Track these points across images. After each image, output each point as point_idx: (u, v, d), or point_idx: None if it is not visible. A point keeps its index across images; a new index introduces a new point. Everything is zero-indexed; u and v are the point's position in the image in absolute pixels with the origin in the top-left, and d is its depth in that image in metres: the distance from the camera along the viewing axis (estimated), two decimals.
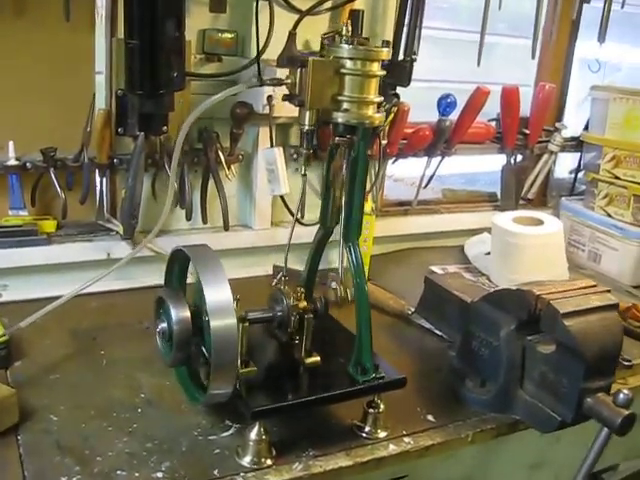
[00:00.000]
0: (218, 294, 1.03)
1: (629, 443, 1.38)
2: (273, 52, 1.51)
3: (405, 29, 1.64)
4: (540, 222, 1.74)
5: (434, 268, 1.82)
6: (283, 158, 1.55)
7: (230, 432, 1.15)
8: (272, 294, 1.21)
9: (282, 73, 1.49)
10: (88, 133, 1.44)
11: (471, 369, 1.34)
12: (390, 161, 1.84)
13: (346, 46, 1.07)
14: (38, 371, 1.26)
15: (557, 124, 2.02)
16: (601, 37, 1.93)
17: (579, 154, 2.10)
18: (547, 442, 1.35)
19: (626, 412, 1.13)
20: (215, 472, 1.05)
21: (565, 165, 2.18)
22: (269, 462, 1.07)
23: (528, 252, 1.69)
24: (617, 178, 1.89)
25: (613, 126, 1.88)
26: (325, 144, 1.69)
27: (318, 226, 1.26)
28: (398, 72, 1.66)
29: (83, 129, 1.44)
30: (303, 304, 1.17)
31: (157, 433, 1.13)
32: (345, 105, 1.08)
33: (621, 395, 1.15)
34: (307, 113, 1.08)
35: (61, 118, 1.48)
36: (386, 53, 1.08)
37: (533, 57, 1.86)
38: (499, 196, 2.08)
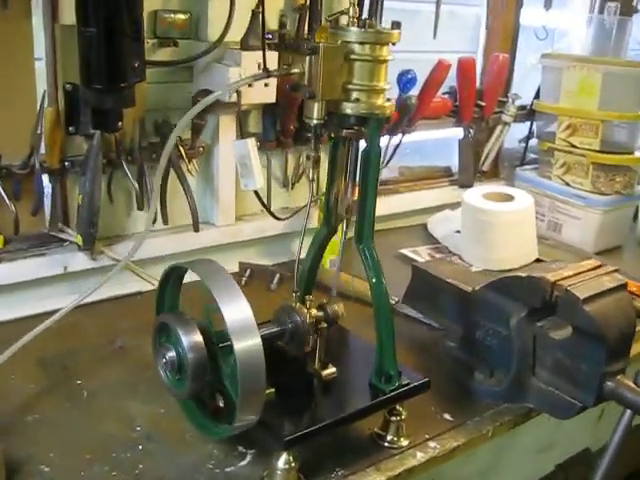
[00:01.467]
0: (238, 313, 0.92)
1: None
2: (233, 34, 1.40)
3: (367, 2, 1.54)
4: (510, 197, 1.71)
5: (406, 252, 1.76)
6: (256, 150, 1.43)
7: (247, 460, 1.05)
8: (281, 310, 1.10)
9: (248, 57, 1.38)
10: (39, 135, 1.27)
11: (477, 360, 1.29)
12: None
13: (355, 29, 0.97)
14: (13, 414, 1.10)
15: (510, 94, 1.99)
16: (547, 3, 1.91)
17: (528, 123, 2.08)
18: (553, 426, 1.33)
19: None
20: None
21: (513, 135, 2.16)
22: None
23: (502, 229, 1.65)
24: (574, 146, 1.88)
25: (568, 94, 1.87)
26: (288, 131, 1.59)
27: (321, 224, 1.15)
28: None
29: (32, 131, 1.26)
30: (316, 313, 1.08)
31: (168, 472, 1.01)
32: (355, 94, 0.98)
33: None
34: (316, 105, 0.96)
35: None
36: (397, 35, 0.99)
37: (487, 27, 1.80)
38: (455, 170, 2.04)
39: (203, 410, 1.05)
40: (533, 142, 2.14)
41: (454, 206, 1.95)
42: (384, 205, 1.88)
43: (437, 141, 2.17)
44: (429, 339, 1.44)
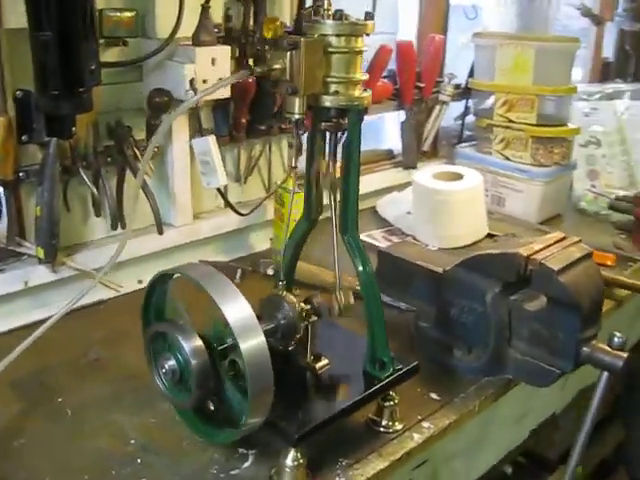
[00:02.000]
0: (239, 312, 0.91)
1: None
2: (182, 30, 1.37)
3: None
4: (459, 176, 1.75)
5: (361, 236, 1.77)
6: (217, 147, 1.40)
7: (250, 461, 1.04)
8: (267, 302, 1.09)
9: (202, 53, 1.36)
10: None
11: (454, 338, 1.31)
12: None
13: (330, 21, 0.96)
14: None
15: (446, 74, 2.03)
16: None
17: (463, 102, 2.13)
18: (528, 395, 1.38)
19: (625, 354, 1.18)
20: None
21: (447, 114, 2.20)
22: None
23: (456, 207, 1.70)
24: (511, 122, 1.94)
25: (502, 71, 1.92)
26: (240, 125, 1.57)
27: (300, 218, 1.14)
28: None
29: None
30: (306, 307, 1.08)
31: None
32: (334, 87, 0.98)
33: (616, 339, 1.19)
34: (297, 100, 0.96)
35: None
36: (371, 26, 0.99)
37: (422, 9, 1.83)
38: (396, 152, 2.07)
39: (202, 417, 1.04)
40: (468, 119, 2.19)
41: (400, 188, 1.99)
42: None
43: (369, 124, 2.19)
44: (400, 322, 1.46)
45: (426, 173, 1.75)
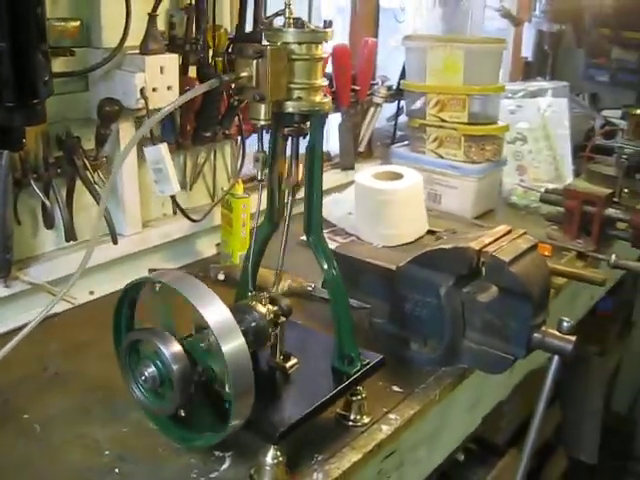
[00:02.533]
0: (218, 316, 0.93)
1: None
2: (129, 39, 1.36)
3: None
4: (399, 175, 1.81)
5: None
6: (169, 155, 1.41)
7: (228, 463, 1.05)
8: (236, 310, 1.11)
9: (151, 62, 1.36)
10: None
11: (409, 331, 1.36)
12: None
13: (292, 30, 0.99)
14: None
15: (379, 76, 2.09)
16: None
17: (395, 103, 2.20)
18: (480, 383, 1.45)
19: (574, 338, 1.25)
20: None
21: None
22: None
23: (398, 206, 1.75)
24: (444, 121, 2.01)
25: (433, 72, 1.99)
26: (186, 132, 1.57)
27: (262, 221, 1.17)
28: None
29: None
30: (273, 309, 1.10)
31: None
32: (297, 93, 1.01)
33: (564, 324, 1.26)
34: (263, 107, 0.98)
35: None
36: (330, 34, 1.03)
37: (354, 12, 1.88)
38: (334, 154, 2.11)
39: (178, 423, 1.04)
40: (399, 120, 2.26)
41: (340, 189, 2.03)
42: None
43: None
44: (356, 319, 1.50)
45: (366, 174, 1.80)
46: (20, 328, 1.36)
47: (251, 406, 0.95)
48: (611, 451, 2.60)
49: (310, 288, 1.58)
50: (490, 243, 1.29)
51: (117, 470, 1.03)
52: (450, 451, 1.51)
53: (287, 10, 0.99)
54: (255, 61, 0.95)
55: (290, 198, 1.11)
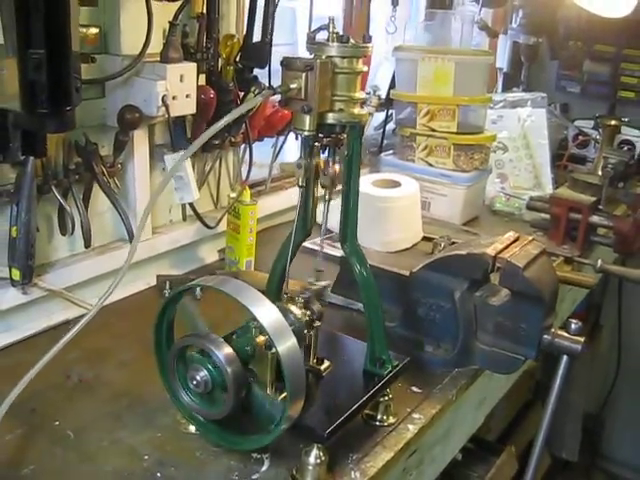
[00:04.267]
0: (270, 316, 0.96)
1: None
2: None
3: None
4: (397, 183, 1.86)
5: (305, 244, 1.83)
6: (190, 162, 1.42)
7: (267, 464, 1.08)
8: None
9: (172, 70, 1.38)
10: None
11: (423, 334, 1.41)
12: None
13: (336, 44, 1.03)
14: (6, 471, 1.03)
15: (371, 86, 2.13)
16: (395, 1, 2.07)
17: (384, 112, 2.25)
18: (486, 383, 1.50)
19: (583, 339, 1.32)
20: None
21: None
22: None
23: (397, 213, 1.80)
24: (434, 130, 2.07)
25: (424, 83, 2.05)
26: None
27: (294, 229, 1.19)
28: (255, 54, 1.61)
29: None
30: (308, 313, 1.13)
31: None
32: (338, 105, 1.05)
33: (573, 325, 1.32)
34: (308, 117, 1.02)
35: None
36: (370, 49, 1.07)
37: (348, 24, 1.92)
38: None
39: (220, 426, 1.06)
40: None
41: (335, 195, 2.06)
42: (274, 202, 1.96)
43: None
44: (359, 322, 1.54)
45: (365, 181, 1.84)
46: (34, 335, 1.38)
47: (301, 406, 0.98)
48: (581, 449, 2.71)
49: (307, 295, 1.61)
50: (503, 249, 1.35)
51: (159, 474, 1.04)
52: (458, 449, 1.56)
53: (331, 25, 1.03)
54: (304, 74, 0.99)
55: (326, 206, 1.14)
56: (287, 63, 1.00)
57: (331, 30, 1.03)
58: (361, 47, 1.05)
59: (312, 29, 1.04)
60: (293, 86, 0.99)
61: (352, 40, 1.05)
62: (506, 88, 2.79)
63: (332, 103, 1.04)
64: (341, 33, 1.04)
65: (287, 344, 0.95)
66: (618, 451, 3.26)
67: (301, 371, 0.96)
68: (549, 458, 2.32)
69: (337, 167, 1.13)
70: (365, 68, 1.07)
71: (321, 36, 1.05)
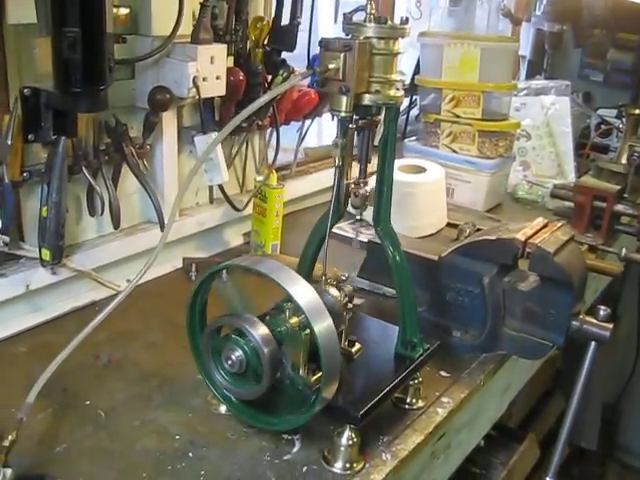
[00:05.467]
0: (307, 296, 0.96)
1: None
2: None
3: None
4: (422, 169, 1.85)
5: (338, 231, 1.83)
6: (220, 144, 1.42)
7: (298, 446, 1.08)
8: None
9: (203, 51, 1.37)
10: (9, 147, 1.16)
11: (451, 319, 1.41)
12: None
13: (373, 25, 1.02)
14: (39, 448, 1.03)
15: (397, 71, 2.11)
16: None
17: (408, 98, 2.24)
18: (511, 369, 1.50)
19: (611, 325, 1.31)
20: None
21: None
22: (361, 463, 1.05)
23: (423, 198, 1.79)
24: (458, 117, 2.06)
25: (449, 69, 2.03)
26: (226, 122, 1.58)
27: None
28: (283, 37, 1.60)
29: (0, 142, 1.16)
30: (343, 294, 1.13)
31: (232, 472, 1.02)
32: (375, 86, 1.04)
33: (602, 312, 1.31)
34: (345, 99, 1.01)
35: None
36: (408, 30, 1.06)
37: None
38: None
39: (253, 406, 1.06)
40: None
41: None
42: (299, 186, 1.96)
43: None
44: (389, 307, 1.54)
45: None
46: (61, 316, 1.38)
47: (336, 386, 0.98)
48: (598, 439, 2.70)
49: (344, 278, 1.61)
50: (533, 235, 1.34)
51: (191, 454, 1.04)
52: (483, 434, 1.56)
53: (368, 5, 1.02)
54: (343, 54, 0.98)
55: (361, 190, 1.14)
56: (325, 43, 1.00)
57: (369, 11, 1.02)
58: (399, 28, 1.04)
59: (348, 12, 1.03)
60: (331, 66, 0.98)
61: (389, 21, 1.04)
62: (529, 76, 2.77)
63: (369, 84, 1.03)
64: (376, 13, 1.03)
65: (324, 324, 0.94)
66: (634, 442, 3.25)
67: (336, 352, 0.96)
68: (568, 448, 2.32)
69: (368, 189, 1.12)
70: (402, 50, 1.06)
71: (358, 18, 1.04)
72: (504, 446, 1.81)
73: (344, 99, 1.01)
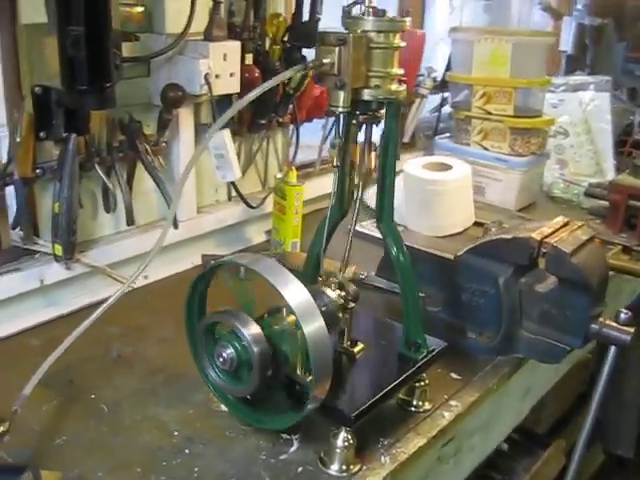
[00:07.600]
0: (299, 296, 0.94)
1: None
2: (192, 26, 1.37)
3: None
4: (448, 166, 1.81)
5: (361, 229, 1.81)
6: (232, 141, 1.42)
7: (295, 446, 1.07)
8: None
9: (216, 48, 1.37)
10: (18, 144, 1.18)
11: (466, 320, 1.37)
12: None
13: (371, 18, 1.00)
14: (40, 439, 1.05)
15: (426, 67, 2.09)
16: None
17: (439, 95, 2.20)
18: (531, 372, 1.45)
19: (632, 329, 1.26)
20: None
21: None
22: (358, 465, 1.03)
23: (448, 197, 1.76)
24: (489, 113, 2.01)
25: (480, 65, 1.99)
26: (244, 120, 1.58)
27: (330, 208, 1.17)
28: (303, 34, 1.59)
29: (10, 138, 1.18)
30: (342, 294, 1.11)
31: (226, 469, 1.01)
32: (374, 81, 1.02)
33: (622, 315, 1.26)
34: (342, 94, 0.99)
35: None
36: (408, 24, 1.03)
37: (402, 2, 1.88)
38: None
39: (248, 405, 1.06)
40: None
41: None
42: (323, 184, 1.94)
43: None
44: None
45: (415, 164, 1.80)
46: (77, 311, 1.40)
47: (327, 387, 0.96)
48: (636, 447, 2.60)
49: (362, 276, 1.59)
50: (550, 234, 1.30)
51: (187, 451, 1.04)
52: (501, 440, 1.52)
53: None
54: (337, 48, 0.96)
55: (361, 185, 1.12)
56: (320, 37, 0.98)
57: (367, 4, 1.00)
58: (398, 21, 1.01)
59: (346, 5, 1.01)
60: (326, 61, 0.97)
61: (389, 14, 1.01)
62: (570, 71, 2.69)
63: (368, 79, 1.01)
64: (377, 7, 1.01)
65: (314, 325, 0.93)
66: None
67: (327, 353, 0.94)
68: (603, 455, 2.24)
69: (373, 158, 1.10)
70: (403, 44, 1.03)
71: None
72: (529, 452, 1.76)
73: (341, 94, 1.00)
